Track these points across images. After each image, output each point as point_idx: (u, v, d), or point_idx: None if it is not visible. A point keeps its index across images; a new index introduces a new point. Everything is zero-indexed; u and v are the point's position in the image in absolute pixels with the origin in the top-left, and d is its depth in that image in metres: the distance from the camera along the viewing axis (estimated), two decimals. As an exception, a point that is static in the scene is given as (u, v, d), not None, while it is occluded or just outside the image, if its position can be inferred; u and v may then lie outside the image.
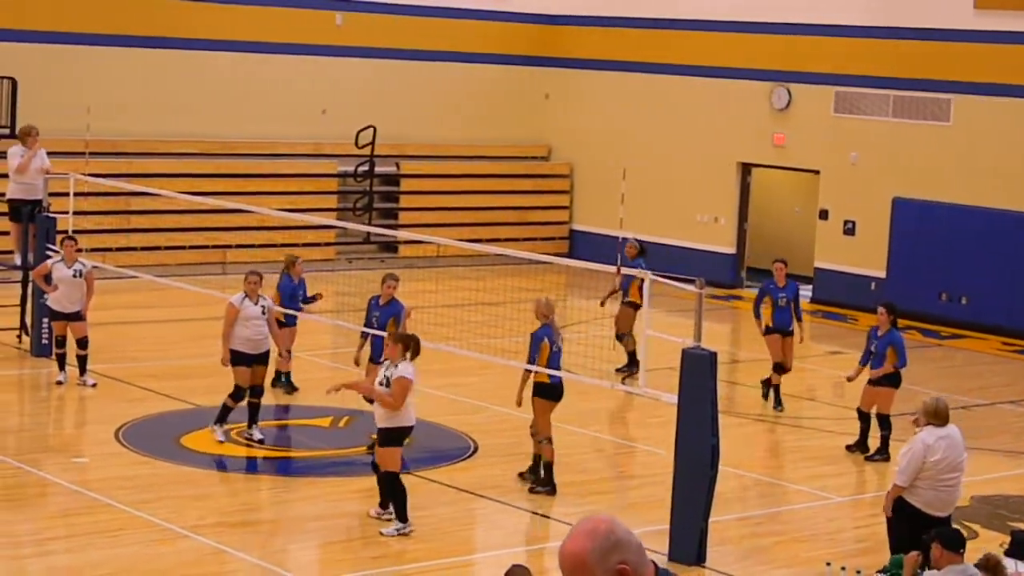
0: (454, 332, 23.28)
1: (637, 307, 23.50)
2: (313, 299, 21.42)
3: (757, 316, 22.31)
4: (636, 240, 24.19)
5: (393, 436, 15.71)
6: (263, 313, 18.63)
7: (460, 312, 25.59)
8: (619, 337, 23.88)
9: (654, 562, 5.02)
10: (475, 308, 24.04)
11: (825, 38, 32.18)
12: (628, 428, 21.02)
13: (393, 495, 15.83)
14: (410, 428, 15.84)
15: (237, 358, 18.48)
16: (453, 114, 35.81)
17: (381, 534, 15.68)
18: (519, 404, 17.47)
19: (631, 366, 23.56)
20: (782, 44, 32.86)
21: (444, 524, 16.28)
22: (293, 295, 21.01)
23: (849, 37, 31.78)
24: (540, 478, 17.54)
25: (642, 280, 22.48)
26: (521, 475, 17.79)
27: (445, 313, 25.24)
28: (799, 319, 22.05)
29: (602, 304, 24.31)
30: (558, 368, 17.26)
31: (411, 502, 16.37)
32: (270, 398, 20.13)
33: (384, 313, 19.20)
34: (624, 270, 19.79)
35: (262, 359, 18.66)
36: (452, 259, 32.39)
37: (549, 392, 17.33)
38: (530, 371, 17.21)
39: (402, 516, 15.78)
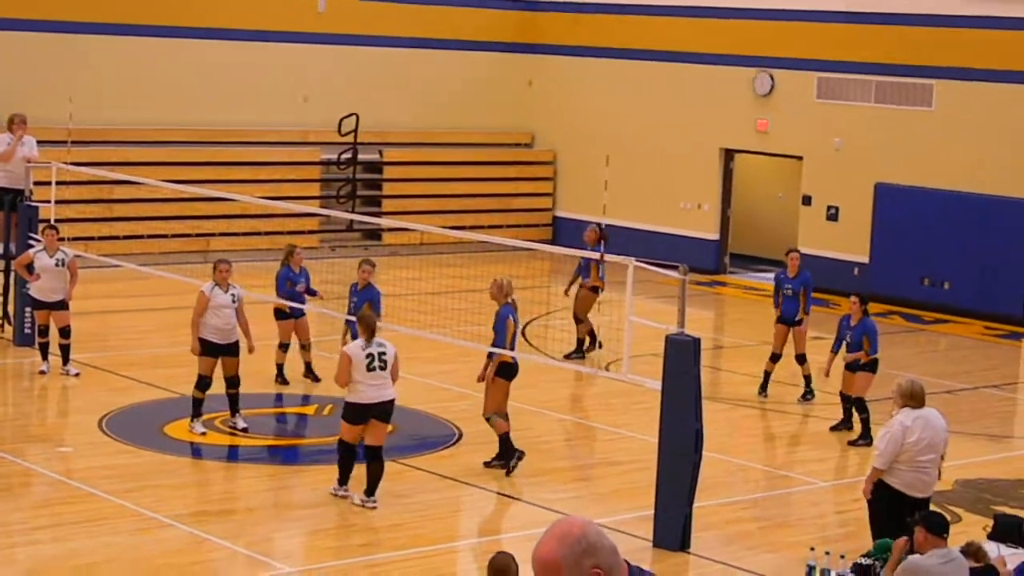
0: (438, 319, 23.29)
1: (598, 291, 23.64)
2: (315, 293, 21.38)
3: (776, 306, 22.24)
4: (597, 225, 24.26)
5: (345, 410, 16.13)
6: (233, 302, 18.59)
7: (444, 299, 25.60)
8: (577, 320, 24.00)
9: (627, 561, 5.02)
10: (459, 295, 24.06)
11: (808, 23, 32.20)
12: (612, 414, 21.04)
13: (339, 460, 16.30)
14: (362, 406, 15.94)
15: (206, 347, 18.45)
16: (436, 101, 35.77)
17: (361, 506, 15.97)
18: (480, 380, 17.68)
19: (579, 352, 23.74)
20: (765, 30, 32.87)
21: (429, 511, 16.29)
22: (294, 286, 20.95)
23: (832, 23, 31.80)
24: (502, 455, 17.63)
25: (600, 264, 22.67)
26: (487, 464, 17.78)
27: (429, 300, 25.25)
28: (806, 311, 21.87)
29: (566, 292, 24.45)
30: (514, 348, 17.39)
31: (395, 488, 16.50)
32: (261, 387, 20.12)
33: (361, 298, 19.46)
34: (605, 257, 19.83)
35: (231, 349, 18.59)
36: (435, 246, 32.39)
37: (512, 372, 17.43)
38: (503, 352, 17.25)
39: (341, 479, 16.36)
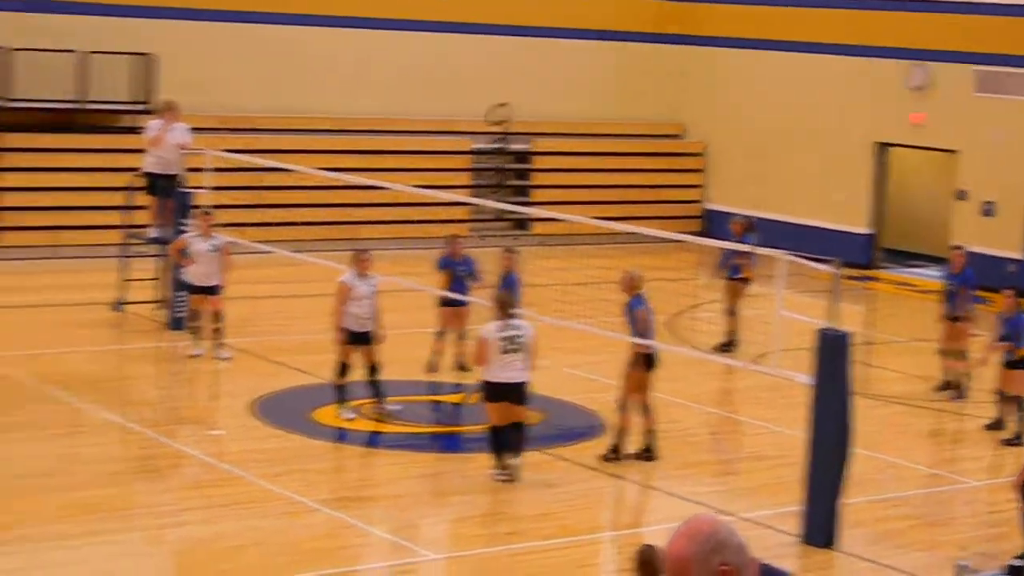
0: (585, 310, 23.21)
1: (747, 283, 23.47)
2: (478, 279, 21.29)
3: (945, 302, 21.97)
4: (745, 216, 24.07)
5: (482, 389, 16.63)
6: (372, 291, 18.69)
7: (591, 290, 25.52)
8: (728, 312, 23.85)
9: (759, 560, 5.03)
10: (607, 286, 23.95)
11: (966, 16, 31.65)
12: (760, 408, 20.84)
13: (491, 445, 16.63)
14: (495, 385, 16.29)
15: (346, 335, 18.60)
16: (587, 91, 35.70)
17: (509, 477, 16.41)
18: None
19: (729, 344, 23.51)
20: (921, 22, 32.38)
21: (574, 501, 16.25)
22: (456, 275, 20.99)
23: (990, 15, 31.23)
24: (648, 447, 17.55)
25: (749, 256, 22.50)
26: (633, 455, 17.61)
27: (576, 291, 25.18)
28: (967, 309, 21.48)
29: (718, 277, 24.30)
30: (651, 338, 17.30)
31: (542, 478, 16.56)
32: (412, 374, 20.21)
33: (503, 284, 19.59)
34: (755, 249, 19.69)
35: (367, 338, 18.69)
36: (583, 237, 32.30)
37: (649, 362, 17.35)
38: (638, 342, 17.21)
39: (497, 464, 16.52)
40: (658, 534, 15.27)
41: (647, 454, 17.56)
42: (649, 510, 16.93)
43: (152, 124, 24.12)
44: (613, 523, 16.51)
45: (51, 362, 21.26)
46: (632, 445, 17.62)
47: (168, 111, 24.03)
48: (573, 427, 19.21)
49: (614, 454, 17.44)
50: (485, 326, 16.63)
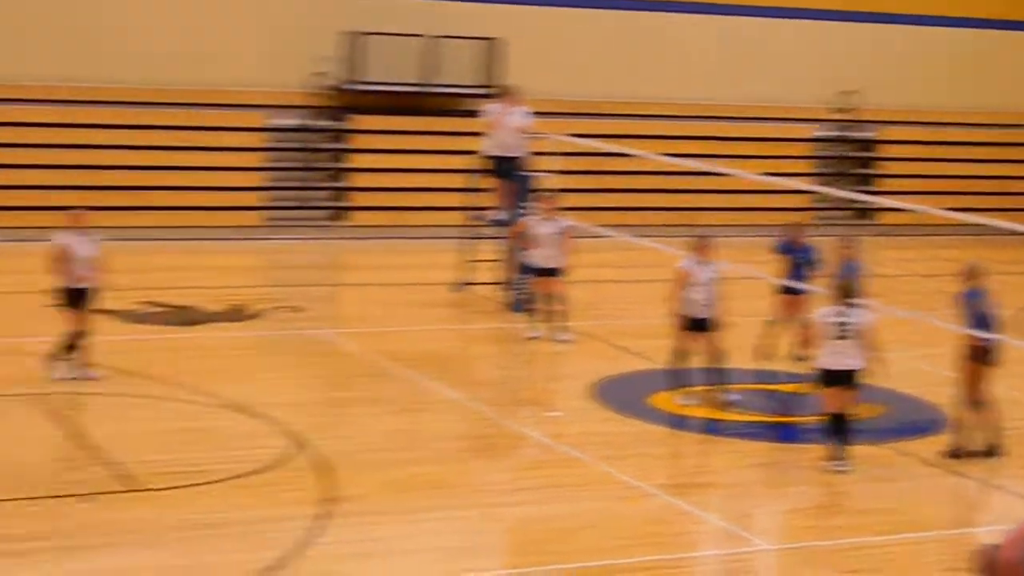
0: (933, 301, 22.74)
1: None
2: (817, 268, 20.98)
3: None
4: None
5: (818, 375, 16.46)
6: (713, 278, 18.56)
7: (936, 282, 25.01)
8: None
9: None
10: (955, 278, 23.47)
11: None
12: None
13: (828, 433, 16.43)
14: (824, 372, 16.17)
15: (683, 321, 18.55)
16: (936, 80, 34.90)
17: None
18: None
19: None
20: None
21: (912, 497, 15.90)
22: (795, 262, 20.79)
23: None
24: (993, 446, 17.04)
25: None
26: (973, 452, 17.13)
27: (924, 282, 24.71)
28: None
29: None
30: (988, 331, 16.77)
31: (880, 473, 16.28)
32: (749, 362, 20.07)
33: (844, 271, 19.45)
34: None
35: (705, 325, 18.55)
36: (931, 227, 31.62)
37: (984, 356, 16.80)
38: (974, 335, 16.74)
39: (833, 454, 16.27)
40: (997, 535, 14.82)
41: (992, 451, 17.06)
42: (988, 509, 16.43)
43: (490, 108, 24.50)
44: (950, 521, 16.08)
45: (395, 340, 21.77)
46: (976, 442, 17.14)
47: (507, 95, 24.41)
48: (915, 421, 18.81)
49: (957, 450, 17.00)
50: (819, 311, 16.59)
